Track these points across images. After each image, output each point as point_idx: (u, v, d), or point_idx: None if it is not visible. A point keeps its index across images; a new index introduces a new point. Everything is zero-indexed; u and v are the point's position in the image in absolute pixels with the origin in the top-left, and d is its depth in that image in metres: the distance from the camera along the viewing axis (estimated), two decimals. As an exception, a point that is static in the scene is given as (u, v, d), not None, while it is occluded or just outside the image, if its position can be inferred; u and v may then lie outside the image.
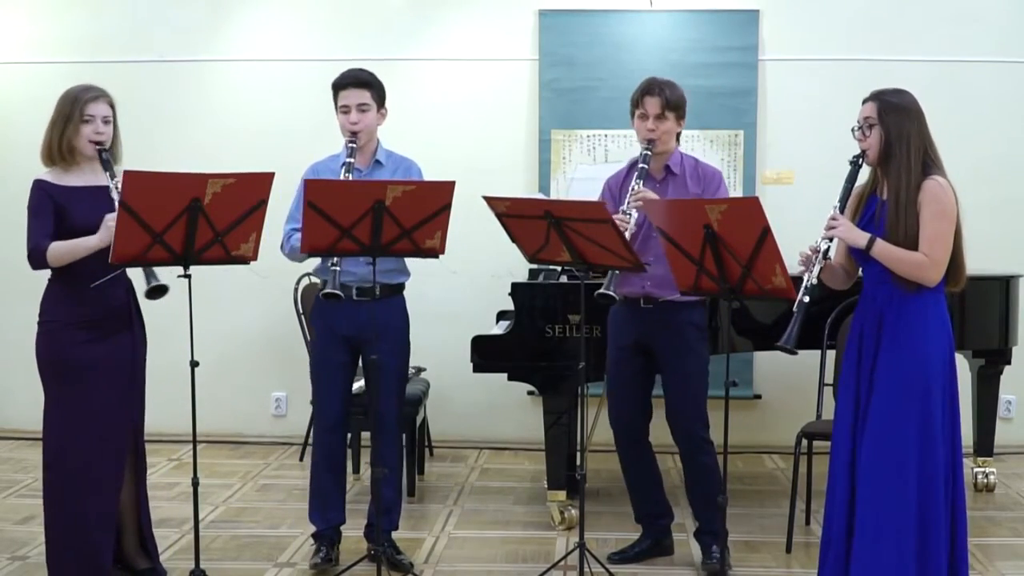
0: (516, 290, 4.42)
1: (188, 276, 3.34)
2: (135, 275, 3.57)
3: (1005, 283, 4.82)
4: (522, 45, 5.85)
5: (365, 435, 4.94)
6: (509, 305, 4.50)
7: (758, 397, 5.83)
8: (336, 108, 3.91)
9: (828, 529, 3.25)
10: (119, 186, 3.27)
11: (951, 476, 3.14)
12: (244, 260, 3.44)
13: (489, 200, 3.56)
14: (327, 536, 3.98)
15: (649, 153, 3.84)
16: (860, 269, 3.37)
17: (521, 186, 5.77)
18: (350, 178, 3.71)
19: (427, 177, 3.95)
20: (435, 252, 3.56)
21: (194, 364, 3.43)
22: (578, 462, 4.29)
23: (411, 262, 3.89)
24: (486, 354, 4.40)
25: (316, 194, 3.38)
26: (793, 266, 3.21)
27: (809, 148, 5.62)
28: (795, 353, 3.24)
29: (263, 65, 5.90)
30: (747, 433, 5.58)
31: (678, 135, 3.96)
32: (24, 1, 6.03)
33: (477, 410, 5.89)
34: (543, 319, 4.34)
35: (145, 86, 5.75)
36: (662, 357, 3.90)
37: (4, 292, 5.89)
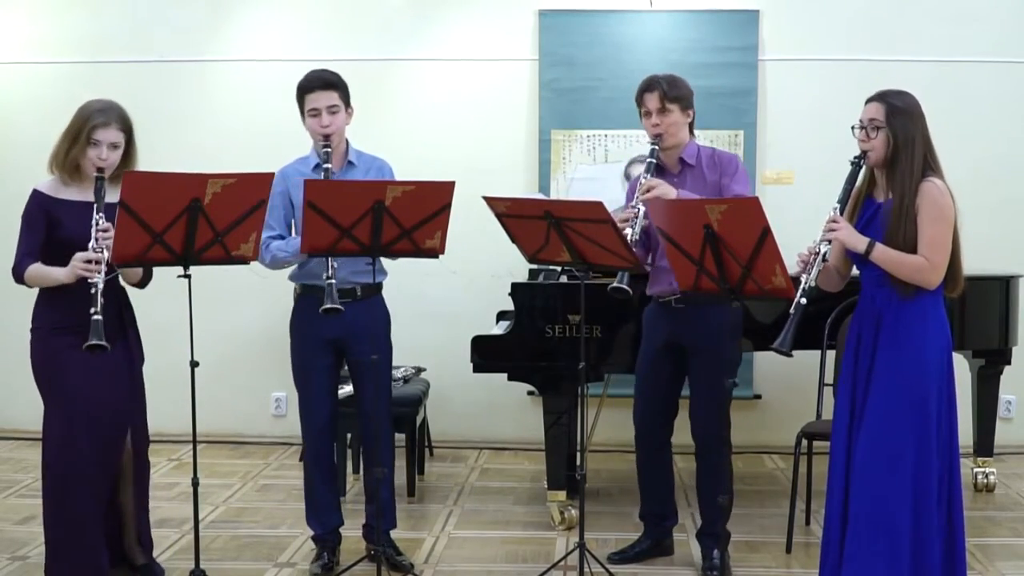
0: (516, 290, 4.42)
1: (188, 276, 3.34)
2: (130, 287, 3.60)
3: (1005, 283, 4.82)
4: (522, 45, 5.85)
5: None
6: (509, 305, 4.50)
7: (758, 397, 5.83)
8: (303, 112, 3.84)
9: (828, 530, 3.25)
10: (100, 222, 3.30)
11: (947, 477, 3.13)
12: (244, 260, 3.43)
13: (489, 200, 3.56)
14: (327, 540, 3.98)
15: (656, 148, 3.83)
16: (853, 270, 3.38)
17: (521, 186, 5.77)
18: None
19: (426, 177, 3.93)
20: (435, 252, 3.56)
21: (194, 364, 3.43)
22: (578, 462, 4.29)
23: (411, 262, 3.88)
24: (486, 354, 4.40)
25: (316, 194, 3.37)
26: (793, 266, 3.21)
27: (809, 148, 5.62)
28: (790, 355, 3.22)
29: (263, 65, 5.90)
30: (747, 433, 5.57)
31: (691, 127, 3.93)
32: (24, 1, 6.03)
33: (477, 410, 5.89)
34: (543, 319, 4.34)
35: (145, 86, 5.74)
36: (692, 356, 3.87)
37: (4, 293, 5.88)
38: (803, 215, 4.07)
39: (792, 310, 3.19)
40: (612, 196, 5.55)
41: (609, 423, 5.30)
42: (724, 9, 5.75)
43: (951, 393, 3.18)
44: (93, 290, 3.27)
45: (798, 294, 3.15)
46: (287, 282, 3.97)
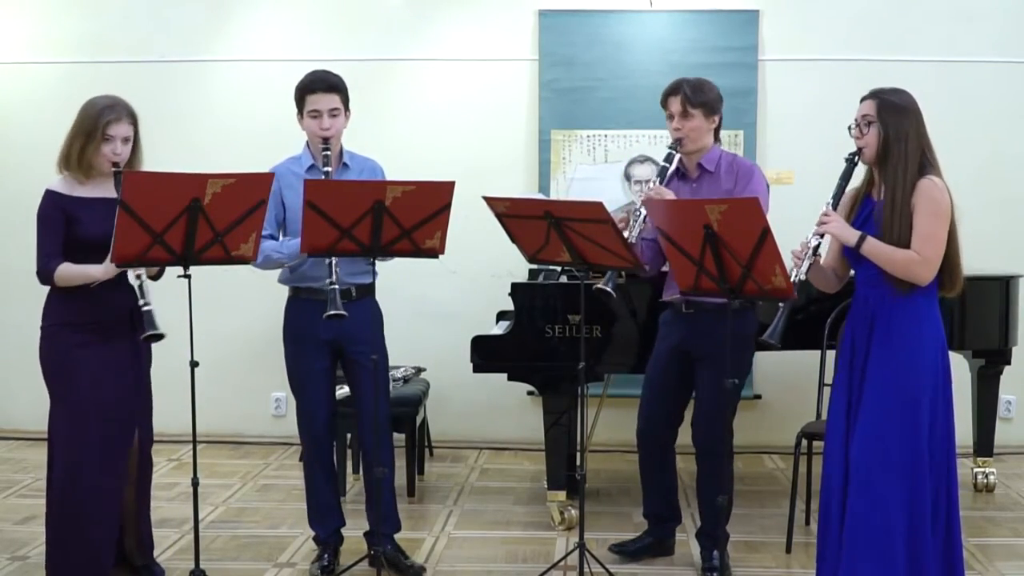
0: (516, 290, 4.42)
1: (188, 276, 3.34)
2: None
3: (1005, 283, 4.81)
4: (522, 45, 5.85)
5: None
6: (509, 305, 4.50)
7: (758, 397, 5.83)
8: (301, 111, 3.82)
9: (824, 531, 3.23)
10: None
11: (945, 477, 3.11)
12: (244, 260, 3.43)
13: (489, 200, 3.56)
14: (329, 542, 3.98)
15: (673, 152, 3.82)
16: (851, 272, 3.37)
17: (521, 186, 5.77)
18: None
19: (426, 177, 3.93)
20: (435, 252, 3.56)
21: (194, 364, 3.43)
22: (578, 462, 4.29)
23: (411, 262, 3.88)
24: (486, 354, 4.40)
25: (316, 195, 3.37)
26: (792, 266, 3.21)
27: (809, 148, 5.61)
28: (779, 347, 3.23)
29: (263, 65, 5.90)
30: (747, 433, 5.57)
31: (717, 132, 3.90)
32: (24, 1, 6.03)
33: (477, 410, 5.89)
34: (543, 319, 4.34)
35: (145, 86, 5.73)
36: (697, 362, 3.86)
37: (5, 293, 5.89)
38: (803, 215, 4.05)
39: (781, 303, 3.18)
40: (612, 196, 5.59)
41: (609, 423, 5.30)
42: (724, 9, 5.75)
43: (947, 394, 3.16)
44: (139, 282, 3.33)
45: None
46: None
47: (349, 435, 5.01)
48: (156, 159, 3.71)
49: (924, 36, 5.71)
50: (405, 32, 5.89)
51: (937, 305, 3.19)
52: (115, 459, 3.57)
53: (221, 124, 5.90)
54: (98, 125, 3.47)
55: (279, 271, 3.90)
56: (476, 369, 4.43)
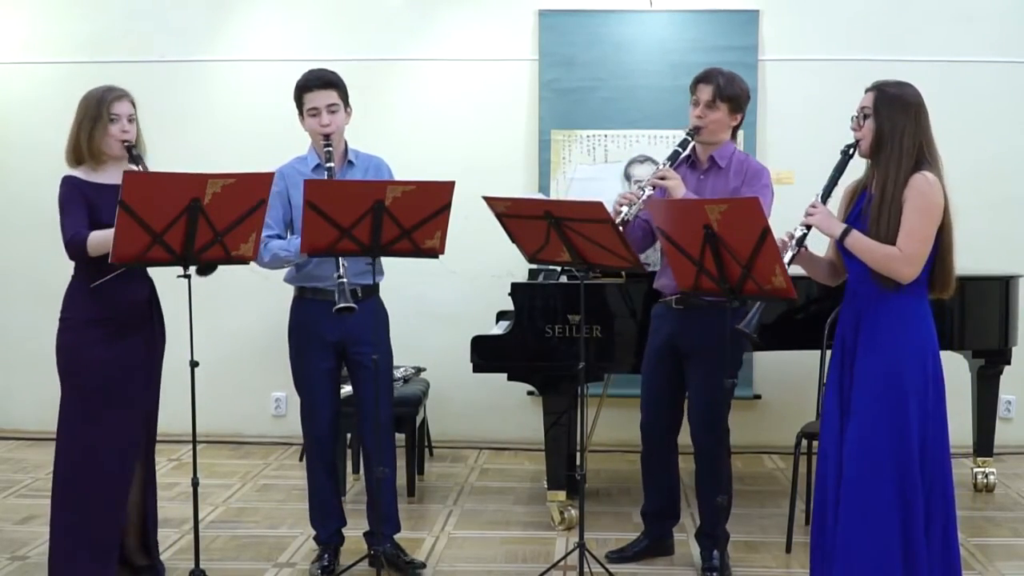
0: (516, 290, 4.42)
1: (188, 276, 3.34)
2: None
3: (1005, 283, 4.81)
4: (522, 45, 5.85)
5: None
6: (509, 305, 4.50)
7: (758, 397, 5.83)
8: (301, 111, 3.82)
9: (818, 531, 3.21)
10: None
11: (940, 478, 3.08)
12: (244, 260, 3.44)
13: (489, 200, 3.56)
14: (330, 543, 3.98)
15: (689, 139, 3.81)
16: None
17: (521, 186, 5.77)
18: None
19: (426, 177, 3.93)
20: (435, 252, 3.56)
21: (194, 364, 3.43)
22: (578, 462, 4.29)
23: (411, 262, 3.88)
24: (486, 354, 4.40)
25: (316, 194, 3.37)
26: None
27: (809, 148, 5.58)
28: (755, 338, 3.22)
29: (263, 65, 5.90)
30: (747, 433, 5.57)
31: (735, 131, 3.91)
32: (24, 1, 6.03)
33: (477, 410, 5.89)
34: (543, 319, 4.34)
35: (145, 86, 5.68)
36: (687, 359, 3.85)
37: (5, 293, 5.89)
38: (803, 215, 4.06)
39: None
40: (612, 196, 5.52)
41: (609, 423, 5.30)
42: (724, 9, 5.75)
43: (937, 395, 3.09)
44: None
45: None
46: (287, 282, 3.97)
47: (349, 435, 5.01)
48: (156, 159, 3.71)
49: (924, 36, 5.72)
50: (405, 32, 5.89)
51: (926, 304, 3.12)
52: (123, 456, 3.58)
53: (221, 124, 5.90)
54: (102, 107, 3.52)
55: (285, 270, 3.91)
56: (476, 369, 4.43)
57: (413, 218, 3.44)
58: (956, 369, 4.77)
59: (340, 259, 3.56)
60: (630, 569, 4.00)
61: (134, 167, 3.46)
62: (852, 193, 3.25)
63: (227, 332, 5.83)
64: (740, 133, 5.59)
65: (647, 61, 5.70)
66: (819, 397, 4.37)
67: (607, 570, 3.79)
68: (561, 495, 4.48)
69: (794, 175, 5.72)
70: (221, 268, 3.48)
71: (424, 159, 5.06)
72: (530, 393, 5.69)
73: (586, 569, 3.64)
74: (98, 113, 3.52)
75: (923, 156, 3.06)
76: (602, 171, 5.78)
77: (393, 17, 5.90)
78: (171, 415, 4.07)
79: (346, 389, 4.15)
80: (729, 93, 3.80)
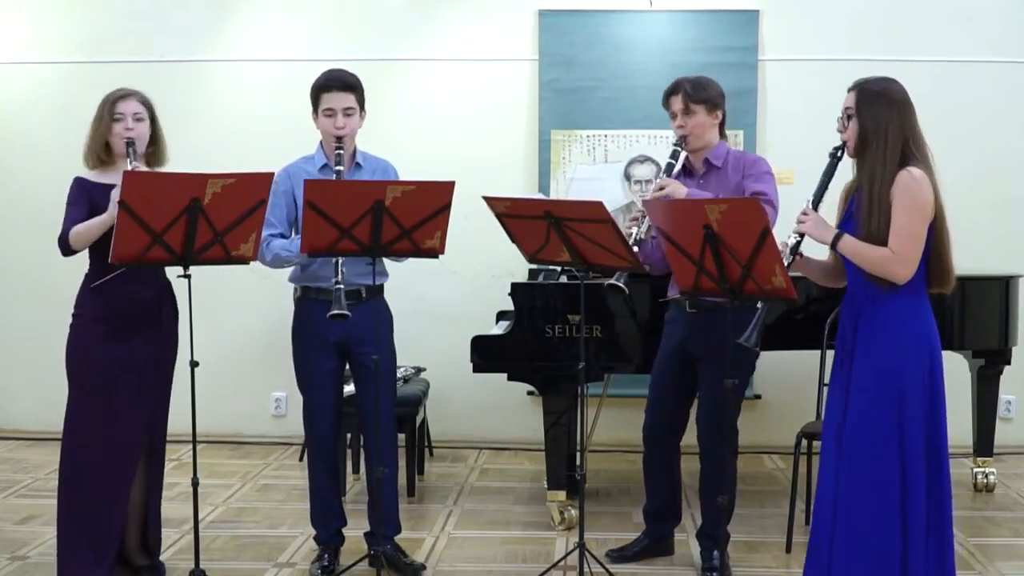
0: (516, 290, 4.42)
1: (188, 276, 3.34)
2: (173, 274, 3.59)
3: (1005, 283, 4.81)
4: (522, 45, 5.85)
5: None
6: (509, 305, 4.50)
7: (758, 397, 5.83)
8: (317, 110, 3.80)
9: (817, 532, 3.20)
10: (133, 165, 3.40)
11: (937, 477, 3.06)
12: (244, 260, 3.44)
13: (489, 200, 3.56)
14: (331, 543, 3.98)
15: (678, 150, 3.84)
16: None
17: (521, 186, 5.77)
18: None
19: (426, 177, 3.93)
20: (435, 252, 3.56)
21: (194, 364, 3.43)
22: (578, 462, 4.29)
23: (410, 262, 3.89)
24: (486, 354, 4.40)
25: (316, 194, 3.37)
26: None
27: (809, 148, 5.50)
28: (756, 351, 3.22)
29: (263, 65, 5.90)
30: (747, 433, 5.51)
31: (722, 128, 3.92)
32: (24, 1, 6.03)
33: (477, 410, 5.89)
34: (543, 319, 4.34)
35: (145, 86, 5.68)
36: (699, 362, 3.85)
37: (5, 293, 5.89)
38: (795, 222, 4.06)
39: (758, 305, 3.17)
40: (612, 196, 5.60)
41: (609, 423, 5.30)
42: (724, 9, 5.75)
43: (935, 395, 3.07)
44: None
45: None
46: (287, 282, 3.97)
47: (349, 435, 5.01)
48: (156, 159, 3.72)
49: (924, 36, 5.72)
50: (405, 32, 5.89)
51: (926, 303, 3.09)
52: (121, 456, 3.59)
53: (221, 124, 5.90)
54: (106, 106, 3.58)
55: (290, 270, 3.91)
56: (476, 369, 4.43)
57: (413, 218, 3.44)
58: (956, 369, 4.76)
59: (339, 265, 3.56)
60: (630, 569, 4.00)
61: (139, 165, 3.48)
62: (847, 193, 3.22)
63: (227, 332, 5.83)
64: (740, 133, 5.70)
65: (647, 61, 5.70)
66: (819, 397, 4.38)
67: (607, 570, 3.79)
68: (561, 495, 4.48)
69: (794, 175, 5.72)
70: (221, 268, 3.48)
71: (424, 159, 5.06)
72: (530, 393, 5.69)
73: (586, 569, 3.64)
74: (102, 112, 3.58)
75: (909, 151, 3.02)
76: (602, 171, 5.78)
77: (393, 17, 5.90)
78: (171, 415, 4.06)
79: (349, 388, 4.15)
80: (700, 96, 3.82)
